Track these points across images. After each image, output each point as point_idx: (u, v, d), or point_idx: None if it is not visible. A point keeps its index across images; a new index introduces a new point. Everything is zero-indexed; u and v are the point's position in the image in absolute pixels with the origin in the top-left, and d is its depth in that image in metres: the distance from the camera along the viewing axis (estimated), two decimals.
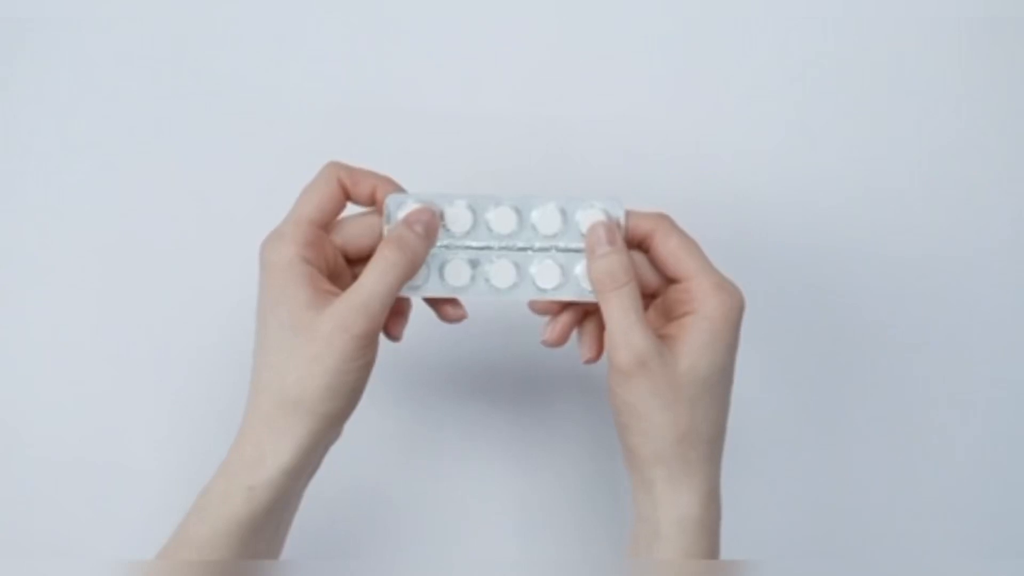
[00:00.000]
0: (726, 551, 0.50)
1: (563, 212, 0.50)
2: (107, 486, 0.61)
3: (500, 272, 0.51)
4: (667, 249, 0.49)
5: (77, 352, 0.62)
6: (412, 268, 0.48)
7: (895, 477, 0.65)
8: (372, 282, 0.47)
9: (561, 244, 0.50)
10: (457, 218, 0.50)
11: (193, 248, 0.62)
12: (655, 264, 0.50)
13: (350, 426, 0.49)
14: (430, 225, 0.49)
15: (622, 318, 0.47)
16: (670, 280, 0.50)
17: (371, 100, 0.63)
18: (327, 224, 0.49)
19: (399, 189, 0.50)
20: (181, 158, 0.62)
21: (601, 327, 0.51)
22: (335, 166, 0.49)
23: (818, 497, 0.64)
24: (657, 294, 0.51)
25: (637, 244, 0.50)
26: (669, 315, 0.50)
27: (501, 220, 0.50)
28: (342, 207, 0.50)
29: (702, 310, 0.48)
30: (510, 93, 0.63)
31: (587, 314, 0.52)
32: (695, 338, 0.48)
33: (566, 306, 0.52)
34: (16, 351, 0.62)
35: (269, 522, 0.47)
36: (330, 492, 0.61)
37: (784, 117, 0.64)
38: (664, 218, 0.50)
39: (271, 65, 0.63)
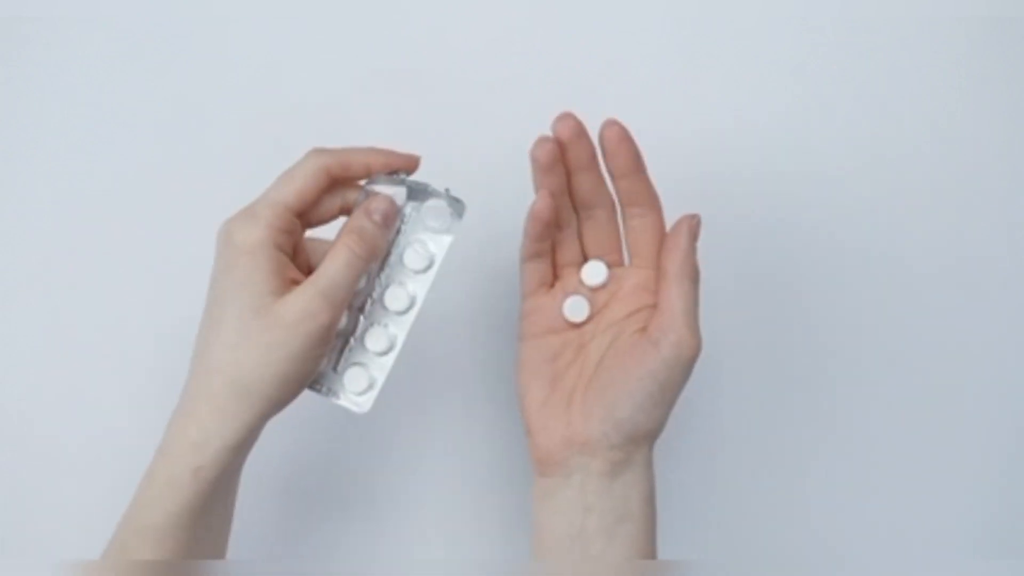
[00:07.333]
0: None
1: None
2: (107, 486, 0.61)
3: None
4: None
5: (77, 351, 0.62)
6: (371, 259, 0.48)
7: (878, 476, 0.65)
8: (335, 271, 0.47)
9: None
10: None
11: (194, 247, 0.62)
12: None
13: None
14: (388, 215, 0.49)
15: (695, 309, 0.48)
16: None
17: (371, 99, 0.63)
18: (303, 212, 0.48)
19: (390, 162, 0.49)
20: (181, 157, 0.63)
21: None
22: (318, 154, 0.48)
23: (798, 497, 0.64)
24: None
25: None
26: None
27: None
28: (321, 195, 0.49)
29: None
30: (505, 85, 0.63)
31: None
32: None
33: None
34: (16, 350, 0.62)
35: (216, 503, 0.47)
36: (312, 487, 0.61)
37: (781, 117, 0.64)
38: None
39: (271, 64, 0.63)
